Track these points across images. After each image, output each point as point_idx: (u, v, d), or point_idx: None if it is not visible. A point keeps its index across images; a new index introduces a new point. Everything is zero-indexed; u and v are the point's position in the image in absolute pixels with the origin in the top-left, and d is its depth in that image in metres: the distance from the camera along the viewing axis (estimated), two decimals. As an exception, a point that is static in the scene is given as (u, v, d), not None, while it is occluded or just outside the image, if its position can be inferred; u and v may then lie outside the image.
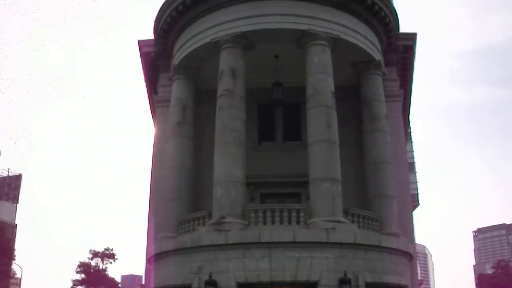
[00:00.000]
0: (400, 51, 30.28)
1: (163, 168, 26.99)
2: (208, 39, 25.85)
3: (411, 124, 49.23)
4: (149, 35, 29.90)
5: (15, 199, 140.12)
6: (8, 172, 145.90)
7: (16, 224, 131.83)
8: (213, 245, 21.93)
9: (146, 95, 35.12)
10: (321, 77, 24.50)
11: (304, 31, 25.00)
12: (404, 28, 29.35)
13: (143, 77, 32.68)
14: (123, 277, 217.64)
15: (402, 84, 31.98)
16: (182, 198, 25.97)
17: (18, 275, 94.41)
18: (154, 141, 29.76)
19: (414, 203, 45.33)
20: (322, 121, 23.77)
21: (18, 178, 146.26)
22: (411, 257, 25.04)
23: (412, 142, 54.24)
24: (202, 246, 22.16)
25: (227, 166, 23.35)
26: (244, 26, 25.14)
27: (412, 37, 30.45)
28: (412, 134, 53.60)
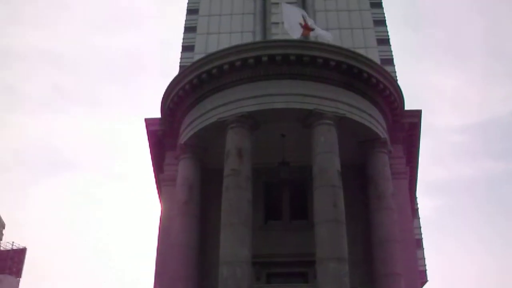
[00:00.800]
0: (406, 128, 30.41)
1: (169, 247, 26.74)
2: (214, 119, 26.11)
3: (417, 200, 49.16)
4: (155, 113, 30.19)
5: (18, 273, 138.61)
6: (12, 245, 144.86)
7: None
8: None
9: (152, 173, 35.08)
10: (327, 156, 24.58)
11: (310, 111, 25.24)
12: (408, 103, 29.61)
13: (149, 155, 32.74)
14: None
15: (408, 161, 31.96)
16: (187, 277, 25.61)
17: None
18: (160, 219, 29.58)
19: (423, 279, 44.91)
20: (328, 201, 23.69)
21: (22, 252, 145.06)
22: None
23: (419, 218, 54.14)
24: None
25: (233, 246, 23.15)
26: (250, 106, 25.44)
27: (417, 114, 30.61)
28: (419, 210, 53.49)
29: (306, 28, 30.68)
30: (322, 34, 32.45)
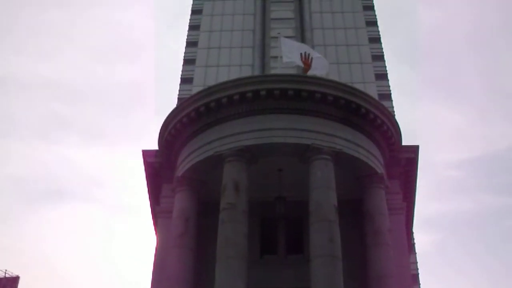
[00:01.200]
0: (403, 164, 30.38)
1: (164, 280, 26.54)
2: (212, 152, 26.16)
3: (414, 235, 49.06)
4: (153, 144, 30.21)
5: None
6: (5, 273, 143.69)
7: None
8: None
9: (148, 204, 34.97)
10: (324, 191, 24.58)
11: (307, 146, 25.32)
12: (405, 138, 29.71)
13: (146, 187, 32.68)
14: None
15: (405, 197, 31.89)
16: (182, 311, 25.46)
17: None
18: (155, 251, 29.43)
19: (419, 315, 44.56)
20: (324, 236, 23.62)
21: (15, 280, 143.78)
22: None
23: (415, 253, 53.98)
24: None
25: (229, 280, 23.01)
26: (248, 140, 25.51)
27: (414, 149, 30.62)
28: (415, 245, 53.35)
29: (306, 63, 30.87)
30: (319, 66, 32.27)
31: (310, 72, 30.79)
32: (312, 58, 31.12)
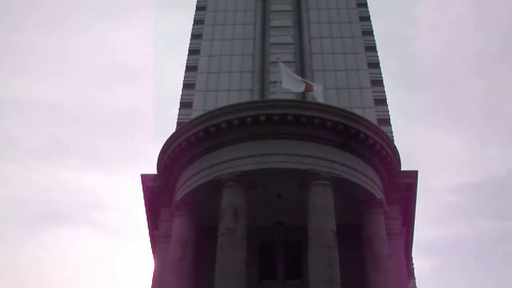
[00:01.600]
0: (402, 189, 30.37)
1: (162, 305, 26.47)
2: (210, 177, 26.19)
3: (413, 260, 48.89)
4: (152, 169, 30.18)
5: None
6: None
7: None
8: None
9: (147, 229, 34.88)
10: (322, 217, 24.57)
11: (306, 171, 25.34)
12: (404, 163, 29.73)
13: (144, 211, 32.60)
14: None
15: (404, 222, 31.81)
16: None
17: None
18: (153, 276, 29.29)
19: None
20: (323, 261, 23.56)
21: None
22: None
23: (415, 278, 53.74)
24: None
25: (227, 305, 22.91)
26: (247, 165, 25.57)
27: (413, 175, 30.63)
28: (414, 270, 53.14)
29: (309, 85, 31.01)
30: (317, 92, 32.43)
31: (313, 94, 30.94)
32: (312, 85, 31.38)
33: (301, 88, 31.52)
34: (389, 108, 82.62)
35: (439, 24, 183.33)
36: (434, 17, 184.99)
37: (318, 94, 32.43)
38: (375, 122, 53.66)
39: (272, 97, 68.56)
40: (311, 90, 31.89)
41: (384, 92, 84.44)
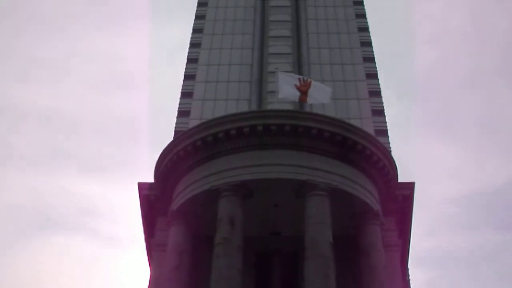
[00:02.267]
0: (399, 200, 30.35)
1: (157, 314, 26.37)
2: (207, 186, 26.16)
3: (410, 271, 48.70)
4: (149, 177, 30.14)
5: None
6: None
7: None
8: None
9: (143, 237, 34.79)
10: (319, 228, 24.54)
11: (303, 182, 25.34)
12: (402, 174, 29.72)
13: (140, 220, 32.52)
14: None
15: (401, 233, 31.80)
16: None
17: None
18: (149, 284, 29.22)
19: None
20: (320, 272, 23.51)
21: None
22: None
23: (411, 290, 53.42)
24: None
25: (222, 315, 22.83)
26: (244, 175, 25.57)
27: (410, 186, 30.62)
28: (411, 281, 52.91)
29: (303, 92, 30.72)
30: (318, 95, 31.89)
31: (309, 100, 30.75)
32: (311, 84, 30.82)
33: (297, 97, 31.17)
34: (387, 119, 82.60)
35: (437, 36, 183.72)
36: (432, 30, 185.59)
37: (319, 98, 31.76)
38: (373, 133, 53.65)
39: (270, 107, 68.66)
40: (305, 100, 31.45)
41: (382, 103, 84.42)
